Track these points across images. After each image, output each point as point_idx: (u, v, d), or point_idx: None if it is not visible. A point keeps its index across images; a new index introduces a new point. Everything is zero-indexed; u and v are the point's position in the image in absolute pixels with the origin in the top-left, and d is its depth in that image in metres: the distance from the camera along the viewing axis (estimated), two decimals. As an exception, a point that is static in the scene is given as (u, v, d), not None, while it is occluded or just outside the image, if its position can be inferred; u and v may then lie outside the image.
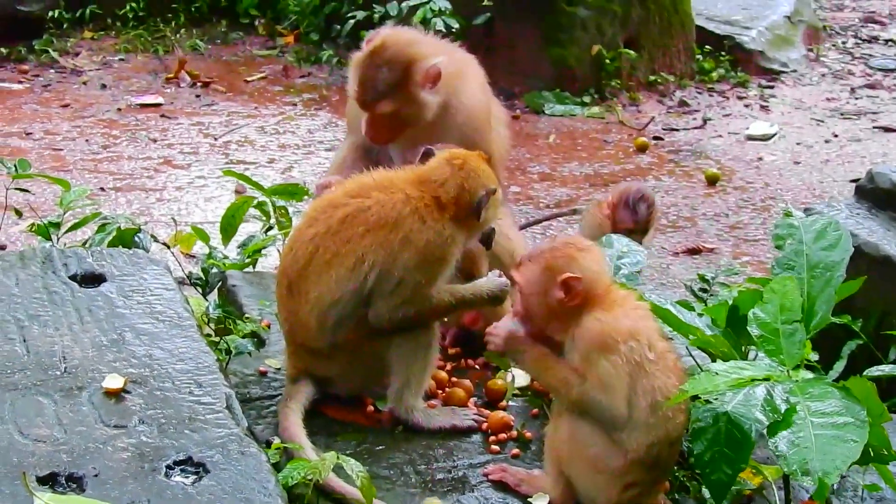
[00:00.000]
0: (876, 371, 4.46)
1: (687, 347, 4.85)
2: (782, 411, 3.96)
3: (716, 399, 4.07)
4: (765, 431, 3.99)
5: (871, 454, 4.11)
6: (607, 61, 11.30)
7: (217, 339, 5.13)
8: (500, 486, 4.41)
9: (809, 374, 4.17)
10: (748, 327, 4.33)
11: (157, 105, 10.97)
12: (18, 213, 6.51)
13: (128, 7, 12.62)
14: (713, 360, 4.52)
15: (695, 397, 4.09)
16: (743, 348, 4.54)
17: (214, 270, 5.90)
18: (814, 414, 3.90)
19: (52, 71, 11.75)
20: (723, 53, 12.25)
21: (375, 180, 4.76)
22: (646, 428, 4.16)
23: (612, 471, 4.20)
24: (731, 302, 4.65)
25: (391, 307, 4.62)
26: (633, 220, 6.48)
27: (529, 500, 4.32)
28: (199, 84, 11.52)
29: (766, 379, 4.07)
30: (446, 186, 4.69)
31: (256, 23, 12.86)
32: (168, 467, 4.02)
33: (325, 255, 4.63)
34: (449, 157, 4.77)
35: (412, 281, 4.61)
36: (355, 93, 5.45)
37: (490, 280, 4.83)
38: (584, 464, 4.25)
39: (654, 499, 4.26)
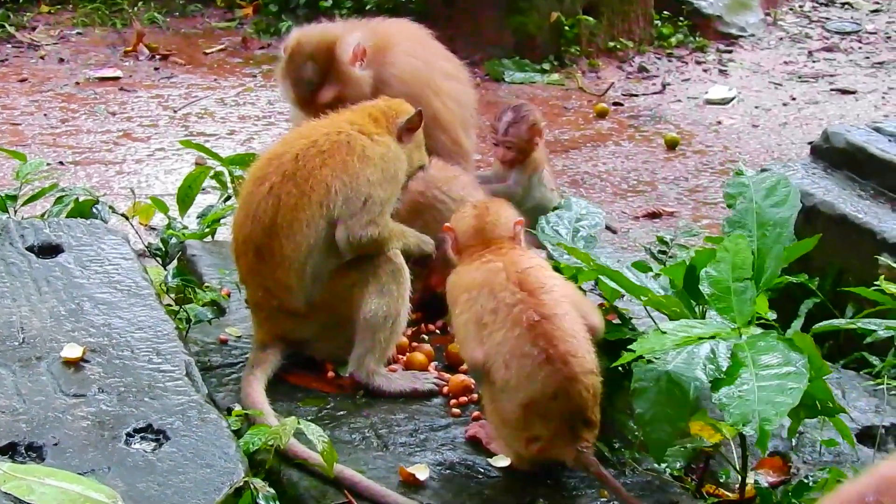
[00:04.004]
0: (825, 324, 4.49)
1: (646, 309, 4.87)
2: (724, 369, 3.98)
3: (658, 359, 4.08)
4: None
5: (819, 407, 4.14)
6: (566, 28, 11.30)
7: (177, 308, 5.13)
8: (462, 448, 4.44)
9: (759, 331, 4.19)
10: (700, 286, 4.35)
11: (116, 78, 10.91)
12: (-25, 188, 6.49)
13: (84, -20, 12.53)
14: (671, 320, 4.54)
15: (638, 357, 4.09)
16: (699, 308, 4.56)
17: (174, 241, 5.89)
18: (759, 367, 3.92)
19: (8, 46, 11.66)
20: (681, 19, 12.26)
21: (312, 124, 4.92)
22: (509, 389, 4.15)
23: (511, 424, 4.20)
24: (688, 262, 4.67)
25: (359, 225, 4.68)
26: (500, 132, 5.93)
27: (489, 460, 4.34)
28: (157, 57, 11.46)
29: (713, 337, 4.09)
30: (376, 105, 4.98)
31: (215, -6, 12.80)
32: (128, 435, 4.03)
33: (289, 202, 4.66)
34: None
35: (378, 198, 4.72)
36: (294, 96, 5.60)
37: (425, 238, 4.98)
38: (495, 417, 4.26)
39: (567, 450, 4.15)
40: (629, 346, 4.02)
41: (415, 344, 5.09)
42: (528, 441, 4.20)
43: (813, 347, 3.97)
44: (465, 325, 4.28)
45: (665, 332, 4.05)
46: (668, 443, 4.05)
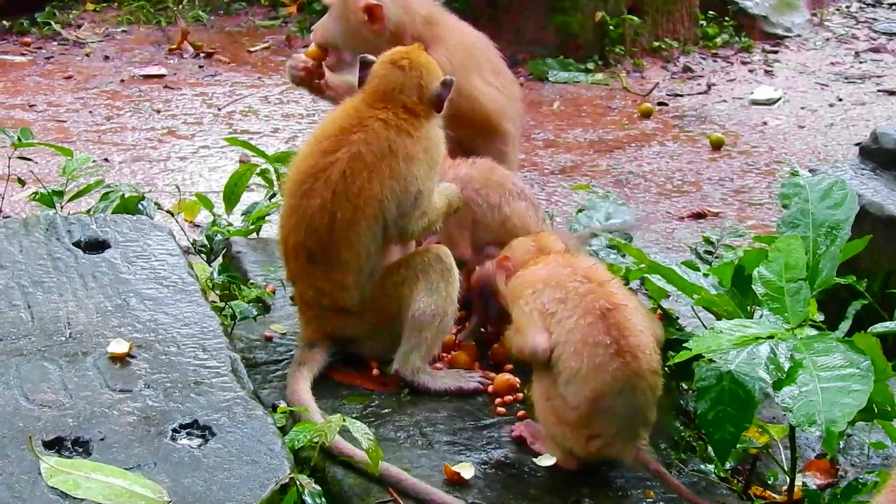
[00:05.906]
0: (881, 327, 4.44)
1: (693, 308, 4.84)
2: (785, 369, 3.94)
3: (719, 358, 4.04)
4: (770, 390, 3.97)
5: (876, 410, 4.09)
6: (611, 28, 11.27)
7: (222, 304, 5.13)
8: (507, 447, 4.42)
9: (813, 332, 4.15)
10: (753, 286, 4.31)
11: (161, 76, 10.96)
12: (21, 182, 6.51)
13: (129, -22, 12.59)
14: (719, 321, 4.50)
15: (698, 356, 4.05)
16: (748, 308, 4.52)
17: (219, 237, 5.90)
18: (819, 368, 3.87)
19: (54, 43, 11.73)
20: (726, 19, 12.21)
21: (342, 125, 4.76)
22: (577, 380, 4.14)
23: (571, 422, 4.18)
24: (736, 262, 4.64)
25: (412, 221, 4.72)
26: None
27: (535, 459, 4.32)
28: (202, 55, 11.51)
29: (771, 336, 4.05)
30: (406, 91, 4.78)
31: (259, -7, 12.84)
32: (174, 431, 4.03)
33: (345, 216, 4.63)
34: (391, 59, 4.85)
35: (426, 189, 4.74)
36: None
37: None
38: (550, 415, 4.24)
39: (627, 450, 4.18)
40: (685, 345, 3.99)
41: (460, 342, 5.07)
42: (588, 439, 4.18)
43: (877, 349, 3.92)
44: (529, 314, 4.28)
45: (721, 332, 4.01)
46: (732, 443, 4.00)
